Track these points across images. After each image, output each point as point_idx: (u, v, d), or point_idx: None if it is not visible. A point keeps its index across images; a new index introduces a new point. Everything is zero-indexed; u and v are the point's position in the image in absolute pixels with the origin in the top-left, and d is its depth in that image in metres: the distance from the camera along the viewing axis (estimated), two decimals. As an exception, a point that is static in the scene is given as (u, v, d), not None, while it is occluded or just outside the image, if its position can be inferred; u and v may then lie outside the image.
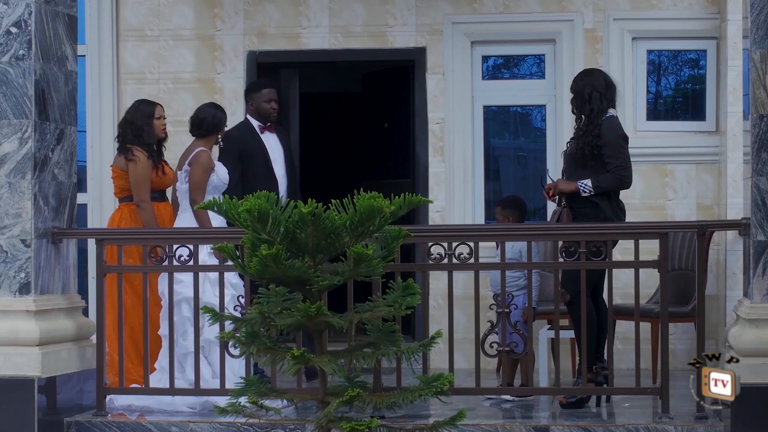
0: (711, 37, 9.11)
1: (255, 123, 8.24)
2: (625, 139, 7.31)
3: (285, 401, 5.40)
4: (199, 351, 7.07)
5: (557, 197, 7.27)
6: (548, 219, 8.32)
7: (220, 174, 7.62)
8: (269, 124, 8.25)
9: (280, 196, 7.76)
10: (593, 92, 7.25)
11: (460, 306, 8.46)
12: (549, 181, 7.53)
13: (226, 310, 6.82)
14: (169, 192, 7.89)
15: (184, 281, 7.09)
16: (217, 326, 6.67)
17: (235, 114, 8.71)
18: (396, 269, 6.52)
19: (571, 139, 7.43)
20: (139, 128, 7.72)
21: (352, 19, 9.39)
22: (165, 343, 7.22)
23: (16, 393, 6.57)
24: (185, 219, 7.52)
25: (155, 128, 7.77)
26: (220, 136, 7.72)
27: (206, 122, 7.66)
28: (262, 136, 8.21)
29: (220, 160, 7.90)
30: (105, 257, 7.01)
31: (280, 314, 4.94)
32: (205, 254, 6.99)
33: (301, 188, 9.70)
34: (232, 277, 7.16)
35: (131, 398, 7.11)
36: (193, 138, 7.72)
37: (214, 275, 7.08)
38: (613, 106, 7.35)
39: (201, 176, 7.52)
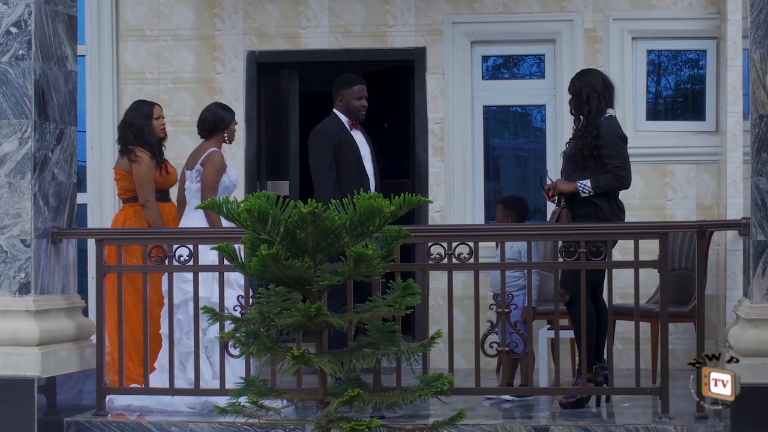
0: (711, 37, 9.11)
1: (344, 119, 7.87)
2: (624, 139, 7.30)
3: (285, 401, 5.41)
4: (201, 351, 7.07)
5: (557, 197, 7.28)
6: (548, 219, 8.32)
7: (231, 175, 7.60)
8: (355, 121, 7.93)
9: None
10: (591, 93, 7.25)
11: (460, 306, 8.46)
12: (548, 182, 7.53)
13: (227, 310, 6.81)
14: (172, 192, 7.88)
15: (192, 280, 7.06)
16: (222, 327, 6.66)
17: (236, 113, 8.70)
18: (396, 269, 6.52)
19: (570, 139, 7.44)
20: (140, 129, 7.72)
21: (352, 19, 9.39)
22: (166, 343, 7.22)
23: (16, 393, 6.57)
24: (194, 218, 7.45)
25: (155, 128, 7.78)
26: (226, 134, 7.67)
27: (207, 122, 7.64)
28: (351, 132, 7.90)
29: (311, 156, 7.73)
30: (105, 257, 7.01)
31: (280, 314, 4.94)
32: (215, 253, 6.95)
33: (300, 188, 9.75)
34: (241, 278, 7.12)
35: (131, 398, 7.11)
36: (202, 139, 7.70)
37: (224, 275, 7.06)
38: (612, 106, 7.35)
39: (213, 177, 7.48)
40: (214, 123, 7.63)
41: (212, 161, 7.50)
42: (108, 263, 7.07)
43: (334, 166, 7.71)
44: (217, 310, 6.74)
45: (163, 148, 7.89)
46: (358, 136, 7.90)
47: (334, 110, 7.94)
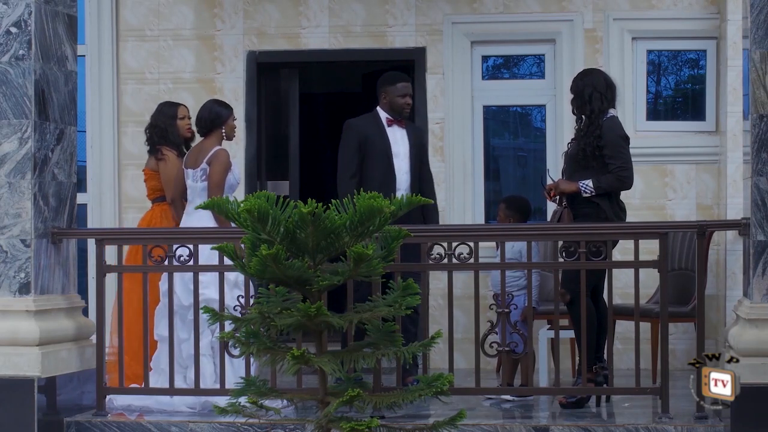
0: (711, 37, 9.11)
1: (383, 115, 7.90)
2: (626, 139, 7.30)
3: (285, 401, 5.40)
4: (208, 351, 7.08)
5: (558, 197, 7.28)
6: (548, 219, 8.32)
7: (236, 173, 7.59)
8: (399, 118, 7.93)
9: (399, 192, 7.64)
10: (594, 93, 7.24)
11: (460, 306, 8.46)
12: (549, 181, 7.52)
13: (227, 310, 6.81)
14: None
15: (203, 281, 7.05)
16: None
17: (236, 114, 8.69)
18: (396, 269, 6.52)
19: (572, 139, 7.43)
20: (164, 130, 7.84)
21: (352, 19, 9.39)
22: (163, 346, 7.21)
23: (16, 393, 6.56)
24: (200, 217, 7.41)
25: (179, 129, 7.85)
26: (224, 130, 7.63)
27: (204, 119, 7.61)
28: (388, 129, 7.88)
29: (339, 148, 7.77)
30: (105, 257, 7.01)
31: (280, 314, 4.94)
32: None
33: (300, 188, 9.73)
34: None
35: (131, 398, 7.10)
36: (201, 137, 7.68)
37: (233, 276, 7.05)
38: (614, 106, 7.35)
39: (221, 175, 7.45)
40: (210, 120, 7.59)
41: (220, 160, 7.47)
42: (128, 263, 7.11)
43: (355, 160, 7.76)
44: (228, 312, 6.76)
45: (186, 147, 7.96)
46: (397, 134, 7.90)
47: (377, 107, 7.96)
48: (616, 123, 7.30)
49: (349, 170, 7.77)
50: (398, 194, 7.63)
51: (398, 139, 7.89)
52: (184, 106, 8.02)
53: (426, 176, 8.06)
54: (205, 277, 7.04)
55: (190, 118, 7.96)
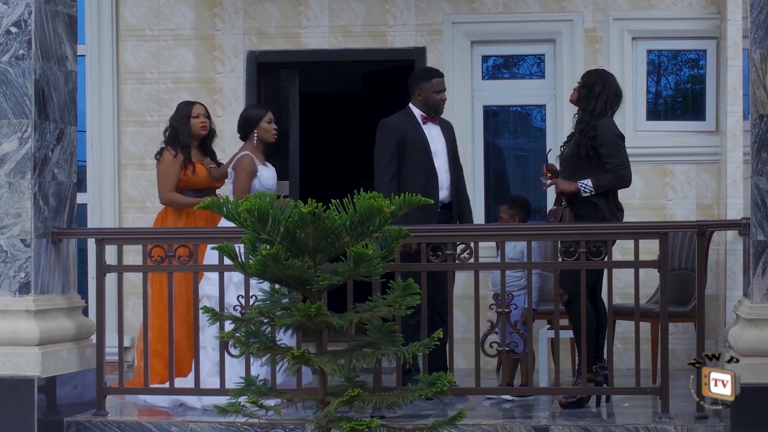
0: (711, 37, 9.11)
1: (418, 113, 7.73)
2: (622, 138, 7.30)
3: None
4: (200, 351, 7.10)
5: (558, 197, 7.28)
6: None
7: (263, 179, 7.55)
8: (433, 115, 7.78)
9: (442, 192, 7.59)
10: (602, 94, 7.22)
11: (460, 306, 8.46)
12: (549, 161, 7.53)
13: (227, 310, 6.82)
14: (224, 191, 7.91)
15: (236, 282, 7.08)
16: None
17: (235, 114, 8.69)
18: (396, 269, 6.52)
19: (565, 142, 7.45)
20: (175, 130, 7.94)
21: (351, 19, 9.39)
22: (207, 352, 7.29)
23: (16, 393, 6.56)
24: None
25: (192, 127, 7.89)
26: (256, 132, 7.66)
27: (239, 125, 7.76)
28: (423, 126, 7.71)
29: (375, 148, 7.66)
30: (105, 257, 7.01)
31: (280, 314, 4.94)
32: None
33: (300, 188, 9.74)
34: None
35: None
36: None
37: (238, 277, 7.06)
38: (612, 113, 7.35)
39: (245, 182, 7.47)
40: (240, 125, 7.75)
41: (242, 165, 7.53)
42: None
43: (395, 161, 7.59)
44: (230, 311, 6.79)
45: (210, 144, 8.06)
46: (433, 131, 7.77)
47: (410, 104, 7.82)
48: (611, 122, 7.31)
49: (388, 172, 7.57)
50: (441, 194, 7.62)
51: (435, 137, 7.75)
52: (200, 104, 8.09)
53: (460, 173, 7.92)
54: (237, 278, 7.06)
55: (206, 116, 8.00)
